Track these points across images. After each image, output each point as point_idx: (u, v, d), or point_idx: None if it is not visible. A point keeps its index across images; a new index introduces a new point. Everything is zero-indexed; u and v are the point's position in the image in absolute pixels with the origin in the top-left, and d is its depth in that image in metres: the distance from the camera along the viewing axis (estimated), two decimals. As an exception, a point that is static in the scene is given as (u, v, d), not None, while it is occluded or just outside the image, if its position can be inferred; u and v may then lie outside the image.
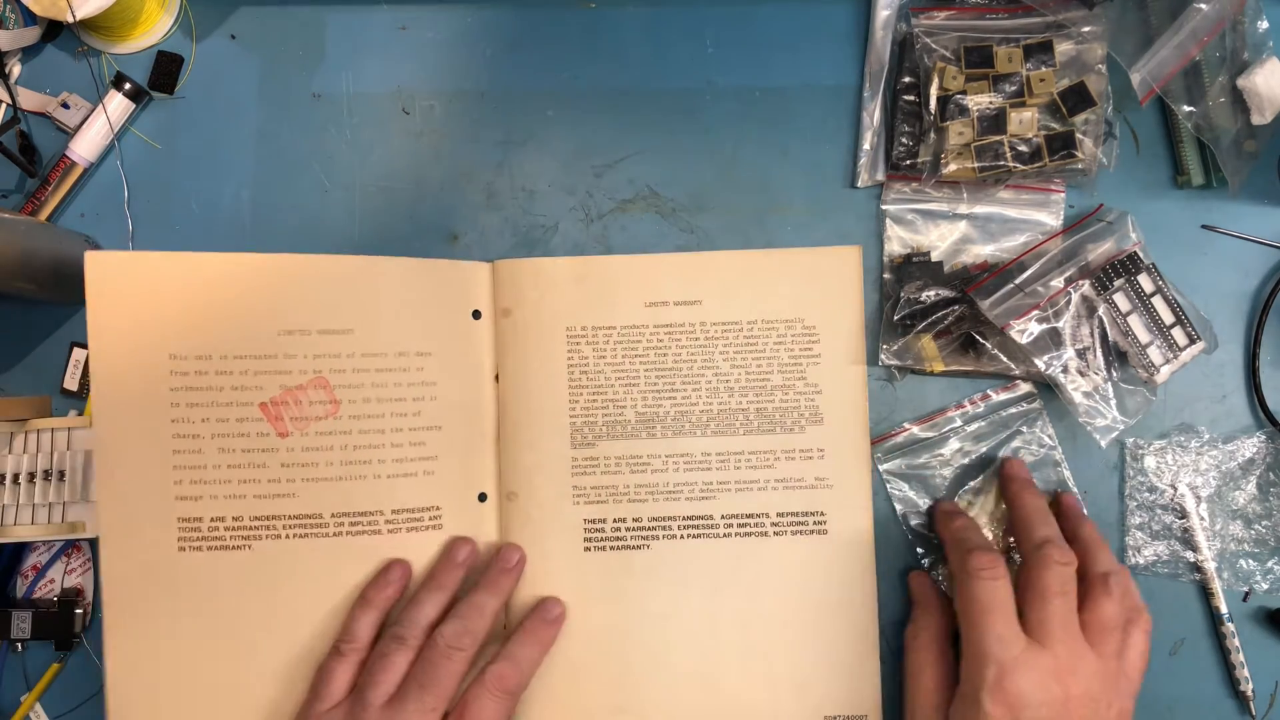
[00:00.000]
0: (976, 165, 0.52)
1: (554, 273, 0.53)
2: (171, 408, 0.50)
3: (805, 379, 0.53)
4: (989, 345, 0.52)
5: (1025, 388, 0.54)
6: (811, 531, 0.52)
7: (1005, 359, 0.52)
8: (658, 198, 0.55)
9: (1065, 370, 0.51)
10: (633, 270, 0.53)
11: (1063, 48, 0.53)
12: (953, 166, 0.53)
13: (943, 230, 0.54)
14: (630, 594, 0.52)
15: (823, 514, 0.52)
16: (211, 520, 0.50)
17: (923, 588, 0.52)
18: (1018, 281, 0.51)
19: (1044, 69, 0.53)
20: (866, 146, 0.55)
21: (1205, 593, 0.53)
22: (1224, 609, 0.53)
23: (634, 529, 0.52)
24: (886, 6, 0.54)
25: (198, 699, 0.50)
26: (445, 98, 0.56)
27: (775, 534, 0.52)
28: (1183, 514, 0.54)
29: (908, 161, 0.54)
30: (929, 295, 0.52)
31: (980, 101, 0.53)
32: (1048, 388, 0.53)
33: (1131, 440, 0.54)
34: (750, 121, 0.55)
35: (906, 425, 0.54)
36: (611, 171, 0.56)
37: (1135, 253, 0.51)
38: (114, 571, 0.49)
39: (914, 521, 0.54)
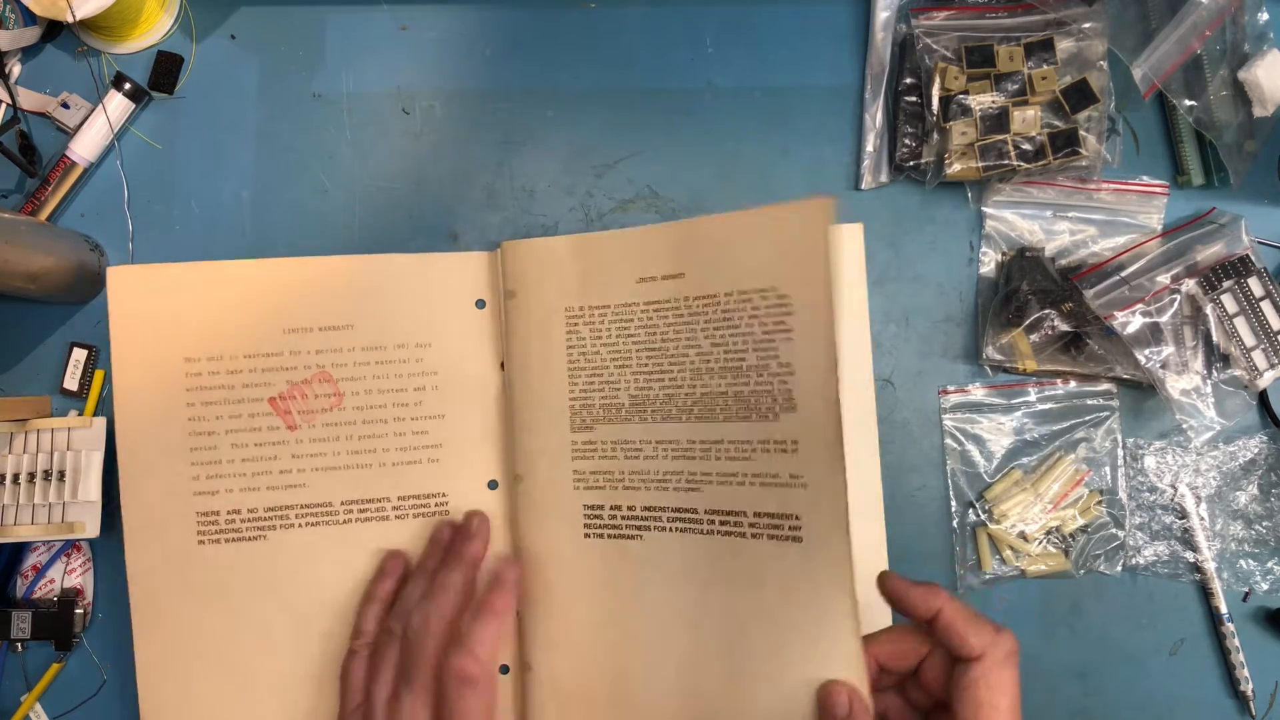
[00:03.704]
0: (980, 165, 0.52)
1: (553, 252, 0.52)
2: (188, 407, 0.52)
3: (778, 358, 0.47)
4: (1093, 344, 0.52)
5: (1106, 385, 0.54)
6: (787, 538, 0.46)
7: (1108, 357, 0.52)
8: (658, 198, 0.55)
9: (1164, 366, 0.51)
10: (624, 243, 0.51)
11: (1063, 45, 0.53)
12: (957, 167, 0.52)
13: (1042, 228, 0.55)
14: (625, 584, 0.51)
15: (797, 518, 0.46)
16: (228, 513, 0.52)
17: (852, 698, 0.43)
18: (1124, 274, 0.51)
19: (1045, 67, 0.52)
20: (869, 148, 0.54)
21: (1205, 593, 0.53)
22: (1224, 609, 0.53)
23: (629, 517, 0.51)
24: (886, 7, 0.54)
25: (223, 686, 0.52)
26: (445, 98, 0.56)
27: (753, 536, 0.47)
28: (1183, 514, 0.54)
29: (911, 162, 0.53)
30: (1039, 286, 0.52)
31: (982, 101, 0.53)
32: (1127, 395, 0.54)
33: (1131, 440, 0.54)
34: (750, 121, 0.55)
35: (978, 385, 0.54)
36: (611, 171, 0.55)
37: (1247, 256, 0.52)
38: (139, 567, 0.52)
39: (961, 480, 0.54)
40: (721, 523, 0.49)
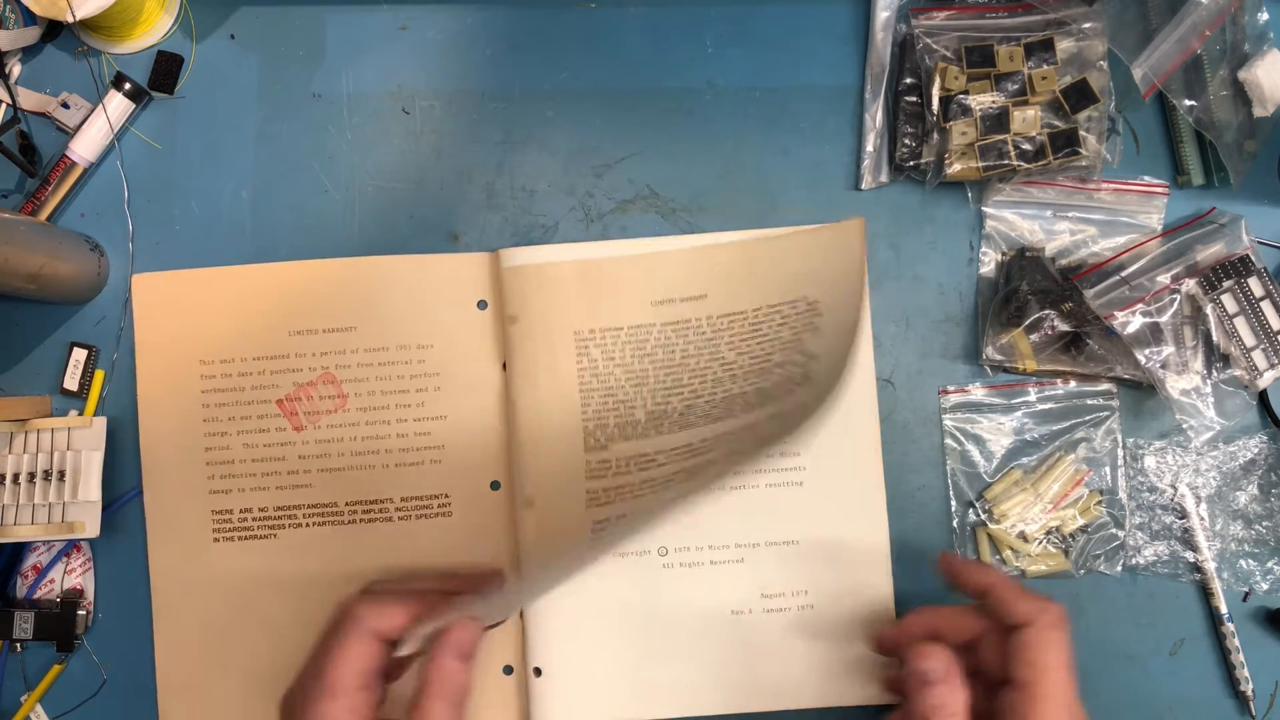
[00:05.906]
0: (980, 165, 0.52)
1: (557, 276, 0.53)
2: (203, 409, 0.53)
3: (804, 350, 0.51)
4: (1093, 344, 0.52)
5: (1106, 385, 0.54)
6: (798, 380, 0.50)
7: (1108, 357, 0.52)
8: (658, 198, 0.55)
9: (1164, 366, 0.51)
10: (637, 269, 0.53)
11: (1064, 45, 0.53)
12: (956, 167, 0.53)
13: (1042, 228, 0.55)
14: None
15: (804, 369, 0.50)
16: (240, 511, 0.53)
17: (949, 662, 0.44)
18: (1124, 274, 0.51)
19: (1045, 67, 0.53)
20: (869, 148, 0.54)
21: (1205, 593, 0.53)
22: (1224, 609, 0.53)
23: (636, 521, 0.52)
24: (886, 7, 0.54)
25: (236, 682, 0.53)
26: (445, 98, 0.56)
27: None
28: (1183, 514, 0.54)
29: (911, 163, 0.54)
30: (1039, 286, 0.52)
31: (982, 101, 0.53)
32: (1127, 395, 0.54)
33: (1131, 440, 0.54)
34: (750, 121, 0.55)
35: (978, 385, 0.54)
36: (611, 171, 0.55)
37: (1247, 256, 0.52)
38: (159, 563, 0.53)
39: (961, 480, 0.54)
40: (730, 451, 0.50)
